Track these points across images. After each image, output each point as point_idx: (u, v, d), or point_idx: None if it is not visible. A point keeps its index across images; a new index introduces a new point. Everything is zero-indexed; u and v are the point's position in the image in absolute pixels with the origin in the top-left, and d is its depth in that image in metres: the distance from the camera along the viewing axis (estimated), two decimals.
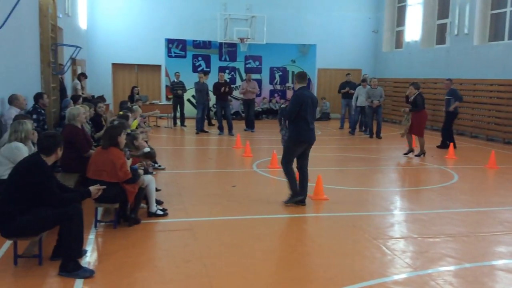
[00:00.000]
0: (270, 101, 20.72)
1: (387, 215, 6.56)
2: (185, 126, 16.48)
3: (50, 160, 4.33)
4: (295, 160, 6.94)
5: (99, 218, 5.72)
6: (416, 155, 11.02)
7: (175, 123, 16.76)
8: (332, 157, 11.17)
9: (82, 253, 4.43)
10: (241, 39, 19.19)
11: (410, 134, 11.12)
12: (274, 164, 9.54)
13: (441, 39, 17.93)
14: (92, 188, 4.60)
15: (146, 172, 6.37)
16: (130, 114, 8.17)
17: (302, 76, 6.87)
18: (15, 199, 4.13)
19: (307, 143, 6.77)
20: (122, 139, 5.60)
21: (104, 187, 4.73)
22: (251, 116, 15.84)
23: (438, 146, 12.77)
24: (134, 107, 10.00)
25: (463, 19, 15.98)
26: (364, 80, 15.56)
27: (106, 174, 5.38)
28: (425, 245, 5.35)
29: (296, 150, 6.80)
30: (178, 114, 16.74)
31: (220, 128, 14.81)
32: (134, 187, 5.58)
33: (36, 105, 8.47)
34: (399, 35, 20.64)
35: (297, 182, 6.87)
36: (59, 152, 4.37)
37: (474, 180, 9.02)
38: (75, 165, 6.99)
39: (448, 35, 17.20)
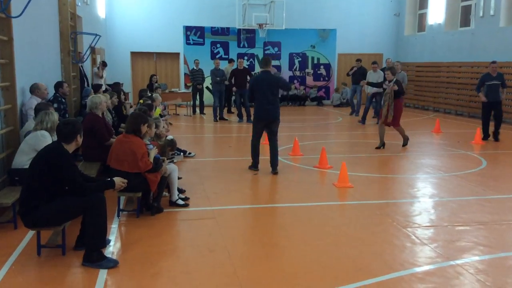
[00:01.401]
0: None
1: (415, 202, 6.37)
2: (204, 114, 16.40)
3: (70, 148, 4.26)
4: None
5: (121, 207, 5.67)
6: (404, 145, 10.15)
7: (194, 111, 16.69)
8: (353, 144, 10.94)
9: (105, 243, 4.36)
10: (260, 25, 18.96)
11: (383, 125, 9.99)
12: (296, 151, 9.40)
13: (465, 21, 17.43)
14: (116, 179, 4.52)
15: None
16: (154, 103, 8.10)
17: (264, 61, 7.92)
18: (37, 188, 4.08)
19: (264, 120, 7.75)
20: (145, 128, 5.51)
21: (126, 181, 4.64)
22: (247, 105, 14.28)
23: (495, 139, 11.17)
24: (154, 95, 9.94)
25: (489, 0, 15.45)
26: (374, 63, 14.75)
27: (127, 164, 5.31)
28: (455, 234, 5.16)
29: (257, 126, 7.89)
30: (197, 102, 16.66)
31: (240, 116, 14.68)
32: (156, 176, 5.50)
33: (57, 94, 8.45)
34: (421, 18, 20.13)
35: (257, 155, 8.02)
36: (79, 140, 4.30)
37: (505, 166, 8.73)
38: (96, 153, 6.97)
39: (473, 17, 16.70)
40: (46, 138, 5.61)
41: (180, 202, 6.01)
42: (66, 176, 4.10)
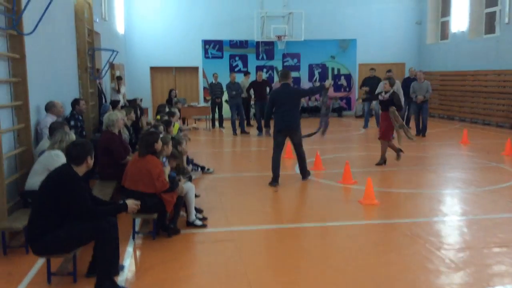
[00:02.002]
0: (309, 99, 20.17)
1: (447, 221, 5.97)
2: (223, 127, 16.20)
3: (81, 170, 4.04)
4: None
5: (137, 229, 5.44)
6: (377, 164, 9.35)
7: (213, 125, 16.51)
8: (377, 157, 10.54)
9: (118, 270, 4.12)
10: (279, 37, 18.77)
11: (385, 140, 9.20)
12: (318, 165, 9.08)
13: (490, 29, 16.92)
14: (129, 202, 4.29)
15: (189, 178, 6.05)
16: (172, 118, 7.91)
17: (283, 74, 8.03)
18: (46, 213, 3.87)
19: (284, 132, 7.84)
20: (159, 145, 5.29)
21: (139, 203, 4.40)
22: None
23: None
24: (172, 109, 9.77)
25: None
26: (389, 71, 13.97)
27: (142, 184, 5.08)
28: (493, 256, 4.77)
29: (277, 138, 7.92)
30: (216, 116, 16.49)
31: (260, 129, 14.42)
32: (172, 196, 5.25)
33: (74, 111, 8.33)
34: (444, 25, 19.67)
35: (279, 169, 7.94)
36: (90, 162, 4.08)
37: None
38: (113, 172, 6.78)
39: (498, 24, 16.19)
40: (60, 158, 5.42)
41: (198, 223, 5.74)
42: (74, 200, 3.88)
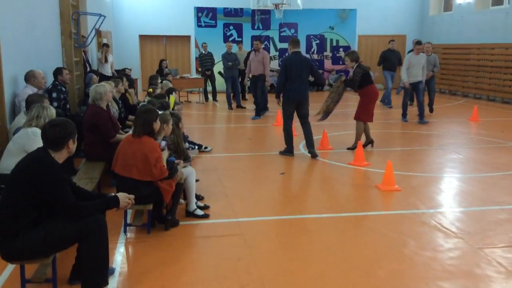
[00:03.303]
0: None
1: (484, 211, 5.27)
2: (216, 101, 15.36)
3: (60, 157, 3.26)
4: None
5: (129, 220, 4.69)
6: (349, 148, 8.27)
7: (206, 98, 15.66)
8: (387, 135, 9.86)
9: (107, 279, 3.39)
10: (276, 5, 17.70)
11: (360, 121, 8.21)
12: (325, 145, 8.36)
13: (498, 0, 16.09)
14: (121, 196, 3.52)
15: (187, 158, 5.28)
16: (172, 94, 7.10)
17: (294, 42, 7.75)
18: (17, 211, 3.10)
19: (296, 101, 7.62)
20: (158, 125, 4.50)
21: (133, 197, 3.64)
22: (258, 98, 12.29)
23: None
24: (164, 82, 8.93)
25: None
26: (419, 43, 11.21)
27: (136, 170, 4.31)
28: None
29: (288, 109, 7.68)
30: (209, 88, 15.61)
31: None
32: (171, 184, 4.50)
33: (56, 82, 7.48)
34: None
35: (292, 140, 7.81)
36: (72, 146, 3.30)
37: None
38: (100, 152, 6.02)
39: None
40: (38, 137, 4.62)
41: (199, 212, 5.01)
42: (53, 194, 3.11)
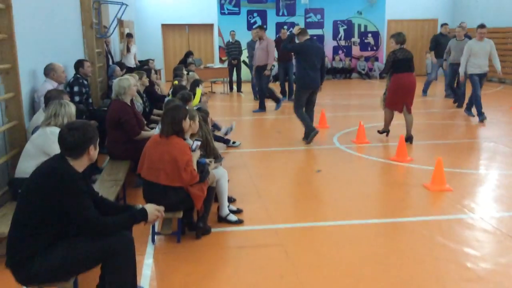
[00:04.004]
0: (334, 59, 18.69)
1: None
2: (241, 92, 14.86)
3: (80, 165, 2.85)
4: None
5: (157, 229, 4.28)
6: (380, 132, 8.09)
7: (231, 89, 15.19)
8: (429, 126, 9.23)
9: None
10: None
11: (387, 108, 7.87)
12: (361, 138, 7.81)
13: None
14: (149, 208, 3.09)
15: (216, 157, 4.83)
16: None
17: (304, 31, 7.78)
18: (33, 228, 2.70)
19: (311, 88, 7.67)
20: (188, 124, 4.05)
21: (162, 209, 3.20)
22: (263, 89, 11.57)
23: None
24: (190, 73, 8.50)
25: None
26: (482, 26, 9.42)
27: (164, 174, 3.88)
28: None
29: (303, 96, 7.70)
30: (234, 78, 15.13)
31: (283, 93, 13.04)
32: (202, 189, 4.06)
33: (78, 75, 7.10)
34: None
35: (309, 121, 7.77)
36: (93, 153, 2.88)
37: None
38: (124, 149, 5.64)
39: None
40: (57, 138, 4.24)
41: (232, 218, 4.58)
42: (73, 209, 2.71)
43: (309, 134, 7.67)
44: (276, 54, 12.34)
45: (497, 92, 14.07)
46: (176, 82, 7.20)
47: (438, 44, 12.36)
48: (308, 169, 6.44)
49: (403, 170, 6.33)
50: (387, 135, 8.08)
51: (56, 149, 4.15)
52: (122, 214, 2.97)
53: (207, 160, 4.39)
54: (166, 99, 5.48)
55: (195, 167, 4.01)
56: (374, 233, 4.37)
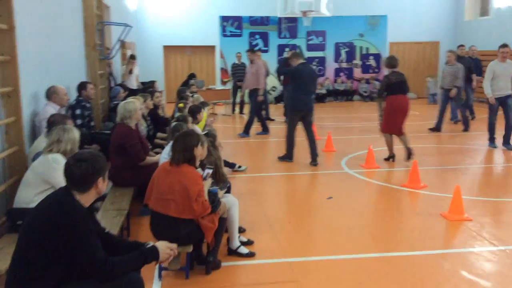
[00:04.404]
0: (335, 81, 18.60)
1: None
2: (243, 114, 14.67)
3: (87, 199, 2.62)
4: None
5: (164, 264, 4.01)
6: (386, 159, 7.95)
7: (233, 110, 15.02)
8: (440, 150, 9.03)
9: None
10: (304, 13, 17.06)
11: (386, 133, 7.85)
12: (370, 163, 7.59)
13: None
14: (161, 246, 2.84)
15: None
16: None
17: (298, 54, 7.98)
18: (33, 272, 2.45)
19: (303, 111, 7.71)
20: (200, 151, 3.83)
21: (175, 246, 2.94)
22: (250, 116, 11.08)
23: None
24: (195, 96, 8.32)
25: None
26: (504, 46, 8.91)
27: (175, 205, 3.64)
28: None
29: (295, 118, 7.80)
30: (237, 100, 14.96)
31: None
32: (213, 221, 3.82)
33: (80, 98, 6.90)
34: (484, 0, 17.86)
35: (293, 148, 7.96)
36: (101, 185, 2.66)
37: None
38: (128, 176, 5.42)
39: None
40: (60, 165, 4.00)
41: (243, 250, 4.32)
42: (79, 250, 2.46)
43: (284, 158, 7.98)
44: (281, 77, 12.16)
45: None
46: (181, 104, 7.00)
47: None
48: (318, 196, 6.20)
49: (417, 198, 6.10)
50: (393, 160, 7.88)
51: (58, 178, 3.95)
52: (131, 253, 2.71)
53: (218, 189, 4.15)
54: (173, 123, 5.26)
55: (206, 197, 3.78)
56: (395, 268, 4.11)
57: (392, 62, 7.66)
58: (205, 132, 5.21)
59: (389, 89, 7.50)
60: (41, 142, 4.71)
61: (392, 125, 7.60)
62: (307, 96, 7.68)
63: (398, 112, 7.53)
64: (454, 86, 10.55)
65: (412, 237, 4.77)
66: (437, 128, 10.79)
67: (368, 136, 9.97)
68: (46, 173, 4.04)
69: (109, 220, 4.30)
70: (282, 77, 11.87)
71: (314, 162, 7.70)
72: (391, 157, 7.91)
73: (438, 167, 7.61)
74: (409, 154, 7.58)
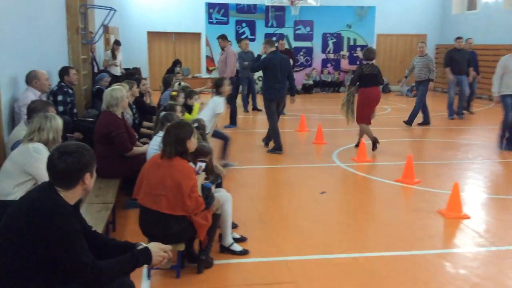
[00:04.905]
0: (322, 72, 18.42)
1: None
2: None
3: (73, 196, 2.37)
4: None
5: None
6: (373, 149, 7.84)
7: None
8: (430, 144, 8.92)
9: None
10: (292, 1, 16.78)
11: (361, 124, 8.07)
12: (362, 156, 7.41)
13: None
14: (154, 248, 2.59)
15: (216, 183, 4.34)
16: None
17: (270, 42, 7.97)
18: (10, 277, 2.19)
19: (277, 99, 7.87)
20: (192, 143, 3.57)
21: (169, 248, 2.70)
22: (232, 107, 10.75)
23: None
24: (182, 84, 8.02)
25: None
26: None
27: (166, 201, 3.39)
28: None
29: (272, 107, 7.82)
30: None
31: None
32: (207, 217, 3.59)
33: (62, 83, 6.56)
34: None
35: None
36: (89, 181, 2.41)
37: None
38: (114, 167, 5.14)
39: None
40: (41, 155, 3.74)
41: (237, 248, 4.10)
42: (63, 253, 2.21)
43: (274, 150, 7.88)
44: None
45: (490, 109, 13.93)
46: (175, 93, 6.70)
47: (453, 59, 11.37)
48: (311, 190, 6.00)
49: (412, 193, 5.96)
50: (378, 143, 7.81)
51: (39, 169, 3.66)
52: (121, 256, 2.46)
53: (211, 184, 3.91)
54: (162, 113, 4.97)
55: (200, 192, 3.54)
56: (397, 268, 3.93)
57: (368, 54, 7.86)
58: (195, 124, 4.94)
59: (361, 80, 7.75)
60: (21, 130, 4.40)
61: (365, 115, 7.90)
62: (281, 84, 7.78)
63: (371, 103, 7.83)
64: (430, 79, 10.31)
65: (411, 236, 4.61)
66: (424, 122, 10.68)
67: (357, 128, 9.80)
68: (27, 164, 3.76)
69: (94, 214, 4.02)
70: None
71: (267, 146, 8.18)
72: (375, 142, 7.82)
73: (430, 161, 7.48)
74: (375, 143, 7.80)
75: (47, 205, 2.23)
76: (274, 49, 7.85)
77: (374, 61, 7.86)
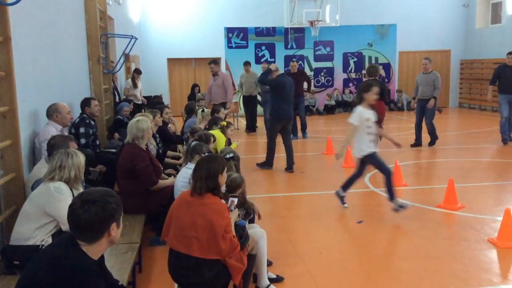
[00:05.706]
0: (344, 91, 18.11)
1: None
2: (256, 126, 14.00)
3: (98, 250, 2.09)
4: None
5: None
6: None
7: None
8: (466, 165, 8.47)
9: None
10: (311, 23, 16.60)
11: None
12: (398, 180, 6.99)
13: None
14: None
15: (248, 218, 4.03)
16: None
17: (276, 67, 8.28)
18: None
19: (284, 120, 8.13)
20: (224, 178, 3.29)
21: None
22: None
23: None
24: (206, 110, 7.80)
25: None
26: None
27: (198, 244, 3.09)
28: None
29: (276, 127, 8.18)
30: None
31: (293, 131, 12.12)
32: (242, 259, 3.26)
33: (84, 115, 6.38)
34: (496, 8, 17.42)
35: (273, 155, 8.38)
36: (115, 232, 2.13)
37: None
38: (138, 202, 4.86)
39: None
40: (63, 195, 3.50)
41: None
42: None
43: (264, 165, 8.37)
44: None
45: None
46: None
47: (501, 77, 10.27)
48: (346, 219, 5.64)
49: (457, 220, 5.53)
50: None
51: (61, 210, 3.41)
52: None
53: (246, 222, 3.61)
54: (193, 143, 4.72)
55: (233, 232, 3.23)
56: None
57: (370, 70, 8.60)
58: (230, 155, 4.66)
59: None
60: (42, 167, 4.18)
61: None
62: (289, 106, 8.13)
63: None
64: (433, 97, 9.77)
65: (465, 270, 4.19)
66: (417, 143, 10.08)
67: (386, 150, 9.40)
68: (48, 205, 3.52)
69: (119, 257, 3.74)
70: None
71: (290, 169, 8.15)
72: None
73: (469, 184, 7.05)
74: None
75: (68, 264, 1.95)
76: (280, 72, 8.28)
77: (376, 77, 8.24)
